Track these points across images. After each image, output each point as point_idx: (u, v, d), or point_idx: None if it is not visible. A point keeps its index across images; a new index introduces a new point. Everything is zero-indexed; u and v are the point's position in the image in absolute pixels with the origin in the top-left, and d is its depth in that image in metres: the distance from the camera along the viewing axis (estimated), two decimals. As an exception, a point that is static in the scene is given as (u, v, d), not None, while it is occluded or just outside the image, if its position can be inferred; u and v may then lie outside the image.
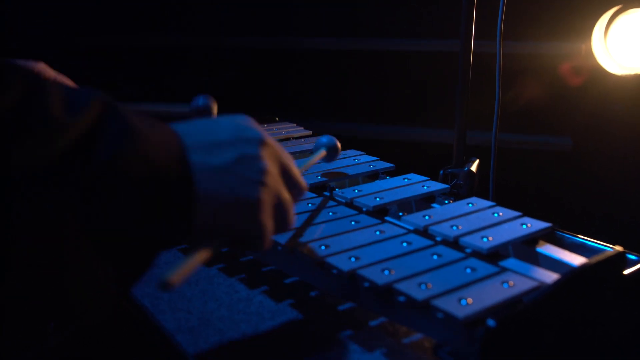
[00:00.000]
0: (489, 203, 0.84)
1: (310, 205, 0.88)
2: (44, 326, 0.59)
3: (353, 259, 0.69)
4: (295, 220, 0.64)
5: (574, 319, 0.64)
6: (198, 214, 0.53)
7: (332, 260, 0.69)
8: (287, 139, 1.29)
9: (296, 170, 0.64)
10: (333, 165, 1.04)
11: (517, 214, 0.80)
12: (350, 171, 1.02)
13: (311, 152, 1.17)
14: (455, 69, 1.22)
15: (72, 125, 0.46)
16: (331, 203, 0.88)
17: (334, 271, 0.69)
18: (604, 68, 1.85)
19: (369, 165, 1.05)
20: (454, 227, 0.76)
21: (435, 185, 0.93)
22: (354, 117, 2.29)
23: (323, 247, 0.72)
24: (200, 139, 0.55)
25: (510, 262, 0.71)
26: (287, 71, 2.35)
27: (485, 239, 0.72)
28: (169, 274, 0.50)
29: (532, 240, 0.76)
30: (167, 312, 0.71)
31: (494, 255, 0.71)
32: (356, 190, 0.91)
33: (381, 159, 1.08)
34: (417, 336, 0.66)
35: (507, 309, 0.60)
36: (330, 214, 0.84)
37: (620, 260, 0.70)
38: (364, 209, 0.86)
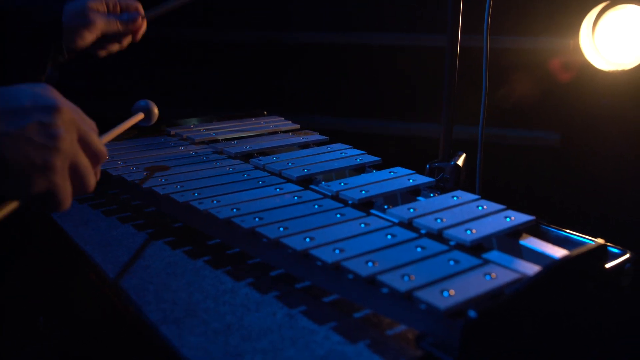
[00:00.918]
0: (474, 196, 0.85)
1: (296, 198, 0.88)
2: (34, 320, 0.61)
3: (337, 251, 0.69)
4: (93, 185, 0.67)
5: (555, 311, 0.65)
6: None
7: (316, 252, 0.70)
8: (275, 132, 1.29)
9: (95, 139, 0.67)
10: (322, 159, 1.05)
11: (501, 207, 0.81)
12: (337, 164, 1.03)
13: (297, 144, 1.18)
14: (443, 63, 1.22)
15: None
16: (317, 196, 0.89)
17: (319, 263, 0.69)
18: (591, 64, 1.86)
19: (356, 159, 1.05)
20: (438, 220, 0.76)
21: (421, 179, 0.94)
22: (342, 112, 2.29)
23: (308, 240, 0.73)
24: None
25: (493, 255, 0.71)
26: (274, 65, 2.35)
27: (469, 232, 0.73)
28: None
29: (515, 233, 0.76)
30: (152, 303, 0.71)
31: (477, 248, 0.72)
32: (342, 183, 0.91)
33: (369, 153, 1.08)
34: (400, 328, 0.66)
35: (489, 301, 0.60)
36: (316, 206, 0.84)
37: (602, 253, 0.71)
38: (350, 202, 0.86)
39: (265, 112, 1.47)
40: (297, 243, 0.72)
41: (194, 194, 0.90)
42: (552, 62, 1.98)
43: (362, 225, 0.77)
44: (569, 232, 0.78)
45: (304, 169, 0.99)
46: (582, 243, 0.75)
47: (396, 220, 0.79)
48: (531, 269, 0.67)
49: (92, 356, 0.89)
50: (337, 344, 0.64)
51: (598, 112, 1.93)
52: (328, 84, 2.30)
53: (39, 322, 1.03)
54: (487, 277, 0.64)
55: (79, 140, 0.64)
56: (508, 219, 0.77)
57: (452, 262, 0.67)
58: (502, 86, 1.91)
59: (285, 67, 2.34)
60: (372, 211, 0.84)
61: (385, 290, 0.63)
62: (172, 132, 1.29)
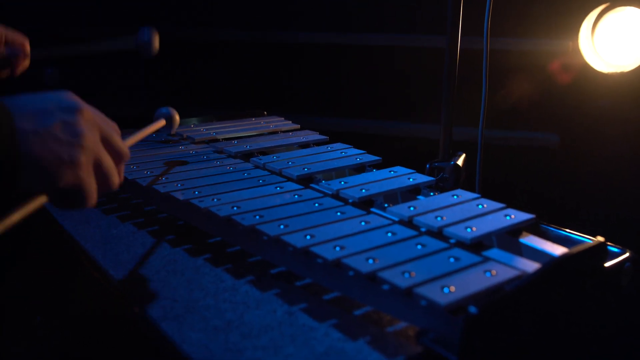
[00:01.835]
0: (474, 195, 0.85)
1: (296, 196, 0.88)
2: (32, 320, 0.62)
3: (338, 248, 0.70)
4: (117, 183, 0.70)
5: (555, 308, 0.65)
6: (23, 172, 0.60)
7: (317, 249, 0.70)
8: (275, 132, 1.29)
9: (117, 139, 0.71)
10: (322, 158, 1.05)
11: (501, 205, 0.81)
12: (337, 163, 1.03)
13: (297, 144, 1.19)
14: (443, 64, 1.22)
15: None
16: (317, 194, 0.89)
17: (319, 260, 0.70)
18: (591, 66, 1.87)
19: (356, 158, 1.06)
20: (439, 218, 0.76)
21: (421, 178, 0.94)
22: (342, 112, 2.29)
23: (308, 237, 0.73)
24: (25, 109, 0.62)
25: (493, 252, 0.72)
26: (275, 66, 2.35)
27: (469, 230, 0.73)
28: None
29: (515, 231, 0.76)
30: (152, 301, 0.72)
31: (478, 245, 0.72)
32: (342, 182, 0.91)
33: (368, 153, 1.08)
34: (400, 325, 0.67)
35: (489, 297, 0.60)
36: (316, 205, 0.85)
37: (601, 252, 0.71)
38: (350, 200, 0.87)
39: (265, 112, 1.47)
40: (297, 240, 0.73)
41: (194, 192, 0.90)
42: (552, 64, 1.98)
43: (363, 223, 0.77)
44: (568, 231, 0.78)
45: (304, 168, 0.99)
46: (582, 242, 0.76)
47: (396, 219, 0.79)
48: (531, 266, 0.67)
49: (94, 353, 0.89)
50: (337, 341, 0.64)
51: (597, 114, 1.94)
52: (328, 85, 2.30)
53: (35, 322, 1.03)
54: (487, 274, 0.64)
55: (102, 139, 0.68)
56: (508, 217, 0.77)
57: (452, 260, 0.67)
58: (501, 88, 1.91)
59: (286, 67, 2.34)
60: (373, 210, 0.84)
61: (385, 286, 0.64)
62: (173, 131, 1.29)
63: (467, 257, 0.67)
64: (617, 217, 1.91)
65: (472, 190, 0.88)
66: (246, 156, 1.11)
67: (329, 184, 0.91)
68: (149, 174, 0.99)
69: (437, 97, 1.20)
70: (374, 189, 0.89)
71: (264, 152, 1.14)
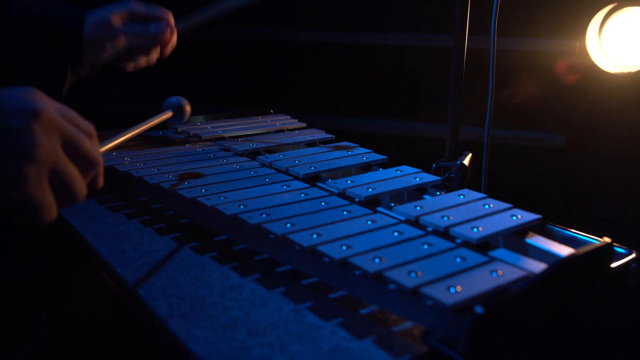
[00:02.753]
0: (480, 195, 0.85)
1: (302, 195, 0.88)
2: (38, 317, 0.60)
3: (344, 247, 0.70)
4: (83, 193, 0.62)
5: (561, 309, 0.65)
6: None
7: (323, 248, 0.70)
8: (282, 130, 1.29)
9: (86, 144, 0.62)
10: (328, 157, 1.05)
11: (507, 205, 0.81)
12: (343, 163, 1.03)
13: (303, 143, 1.19)
14: (449, 63, 1.22)
15: None
16: (324, 193, 0.89)
17: (326, 259, 0.70)
18: (598, 66, 1.86)
19: (362, 157, 1.06)
20: (445, 218, 0.76)
21: (428, 177, 0.94)
22: (349, 111, 2.29)
23: (315, 236, 0.73)
24: None
25: (500, 252, 0.72)
26: (281, 65, 2.36)
27: (475, 230, 0.73)
28: None
29: (521, 231, 0.76)
30: (159, 298, 0.72)
31: (484, 246, 0.72)
32: (349, 181, 0.91)
33: (375, 152, 1.08)
34: (406, 324, 0.67)
35: (495, 297, 0.60)
36: (323, 203, 0.85)
37: (608, 253, 0.71)
38: (356, 199, 0.87)
39: (271, 111, 1.47)
40: (304, 239, 0.73)
41: (201, 190, 0.90)
42: (559, 64, 1.98)
43: (369, 222, 0.77)
44: (575, 232, 0.78)
45: (310, 167, 1.00)
46: (588, 242, 0.76)
47: (403, 218, 0.79)
48: (537, 266, 0.67)
49: (100, 351, 0.90)
50: (343, 339, 0.64)
51: (604, 114, 1.93)
52: (334, 84, 2.30)
53: (42, 319, 1.03)
54: (494, 274, 0.64)
55: (64, 146, 0.60)
56: (514, 217, 0.77)
57: (458, 259, 0.67)
58: (508, 87, 1.91)
59: (292, 66, 2.34)
60: (379, 209, 0.84)
61: (392, 286, 0.64)
62: (179, 129, 1.30)
63: (473, 257, 0.68)
64: (624, 218, 1.90)
65: (478, 190, 0.88)
66: (253, 154, 1.11)
67: (335, 183, 0.91)
68: (155, 171, 1.00)
69: (444, 96, 1.19)
70: (381, 188, 0.89)
71: (270, 150, 1.14)
